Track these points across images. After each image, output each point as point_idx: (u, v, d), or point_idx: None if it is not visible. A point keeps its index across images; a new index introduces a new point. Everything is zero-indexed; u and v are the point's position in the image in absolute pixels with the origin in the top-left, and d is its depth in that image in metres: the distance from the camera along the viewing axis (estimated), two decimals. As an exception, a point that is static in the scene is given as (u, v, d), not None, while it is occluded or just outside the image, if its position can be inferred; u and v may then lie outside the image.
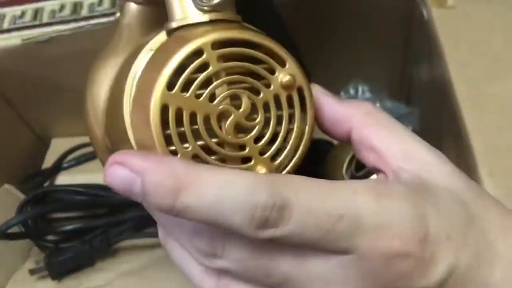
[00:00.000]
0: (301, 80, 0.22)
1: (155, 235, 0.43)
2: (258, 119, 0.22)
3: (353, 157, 0.40)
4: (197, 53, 0.21)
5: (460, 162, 0.33)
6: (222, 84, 0.21)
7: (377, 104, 0.47)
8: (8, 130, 0.50)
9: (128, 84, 0.23)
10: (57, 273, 0.42)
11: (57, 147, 0.53)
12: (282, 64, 0.22)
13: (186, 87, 0.21)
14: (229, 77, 0.21)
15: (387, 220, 0.19)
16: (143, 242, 0.44)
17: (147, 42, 0.24)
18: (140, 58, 0.24)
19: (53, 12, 0.48)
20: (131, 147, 0.23)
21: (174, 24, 0.23)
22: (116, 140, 0.26)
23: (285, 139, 0.22)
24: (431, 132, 0.42)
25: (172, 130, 0.21)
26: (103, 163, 0.34)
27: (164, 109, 0.21)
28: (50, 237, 0.43)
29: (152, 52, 0.23)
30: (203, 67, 0.21)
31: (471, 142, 0.32)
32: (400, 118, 0.46)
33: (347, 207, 0.19)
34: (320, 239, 0.18)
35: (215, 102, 0.21)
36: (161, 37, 0.24)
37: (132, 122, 0.23)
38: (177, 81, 0.21)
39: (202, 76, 0.21)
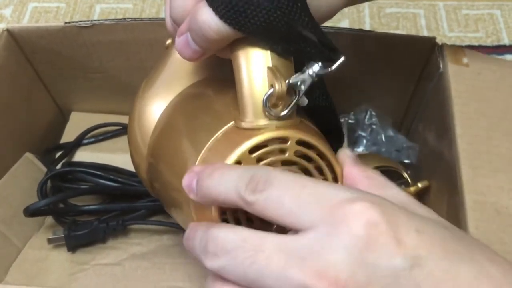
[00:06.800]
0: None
1: (163, 223, 0.47)
2: None
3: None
4: (283, 140, 0.26)
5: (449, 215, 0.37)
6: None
7: (381, 133, 0.51)
8: (33, 100, 0.52)
9: (204, 139, 0.28)
10: (73, 246, 0.45)
11: (76, 120, 0.56)
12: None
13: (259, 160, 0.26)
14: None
15: (356, 197, 0.22)
16: (152, 227, 0.48)
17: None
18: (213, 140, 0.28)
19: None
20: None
21: (244, 125, 0.27)
22: (172, 167, 0.31)
23: None
24: (425, 172, 0.46)
25: None
26: (136, 163, 0.37)
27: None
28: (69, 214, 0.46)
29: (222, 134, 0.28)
30: (281, 151, 0.26)
31: (464, 197, 0.36)
32: (400, 150, 0.50)
33: (311, 185, 0.23)
34: (292, 206, 0.22)
35: None
36: (231, 126, 0.28)
37: None
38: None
39: (271, 159, 0.26)
